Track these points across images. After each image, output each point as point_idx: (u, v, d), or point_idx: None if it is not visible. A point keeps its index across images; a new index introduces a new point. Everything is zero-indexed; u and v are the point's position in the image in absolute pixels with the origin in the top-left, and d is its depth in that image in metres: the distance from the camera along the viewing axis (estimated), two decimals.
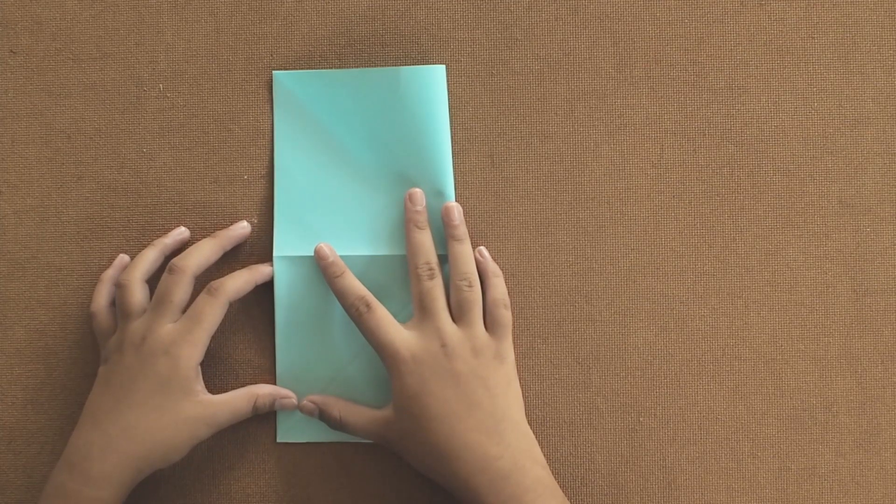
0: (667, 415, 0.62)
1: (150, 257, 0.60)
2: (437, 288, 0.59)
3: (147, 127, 0.63)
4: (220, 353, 0.62)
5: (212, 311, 0.58)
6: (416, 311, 0.59)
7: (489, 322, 0.60)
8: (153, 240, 0.62)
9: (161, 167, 0.63)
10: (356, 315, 0.59)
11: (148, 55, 0.63)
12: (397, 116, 0.61)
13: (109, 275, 0.61)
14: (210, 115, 0.63)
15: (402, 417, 0.57)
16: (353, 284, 0.60)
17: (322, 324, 0.62)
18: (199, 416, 0.57)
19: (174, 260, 0.59)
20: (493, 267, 0.61)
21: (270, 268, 0.62)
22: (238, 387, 0.61)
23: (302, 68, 0.62)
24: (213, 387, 0.61)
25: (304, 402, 0.61)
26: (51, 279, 0.62)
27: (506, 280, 0.61)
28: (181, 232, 0.62)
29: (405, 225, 0.61)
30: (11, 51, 0.63)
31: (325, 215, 0.62)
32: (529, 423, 0.59)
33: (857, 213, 0.63)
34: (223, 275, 0.61)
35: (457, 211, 0.61)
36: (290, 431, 0.62)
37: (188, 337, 0.57)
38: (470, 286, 0.59)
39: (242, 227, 0.62)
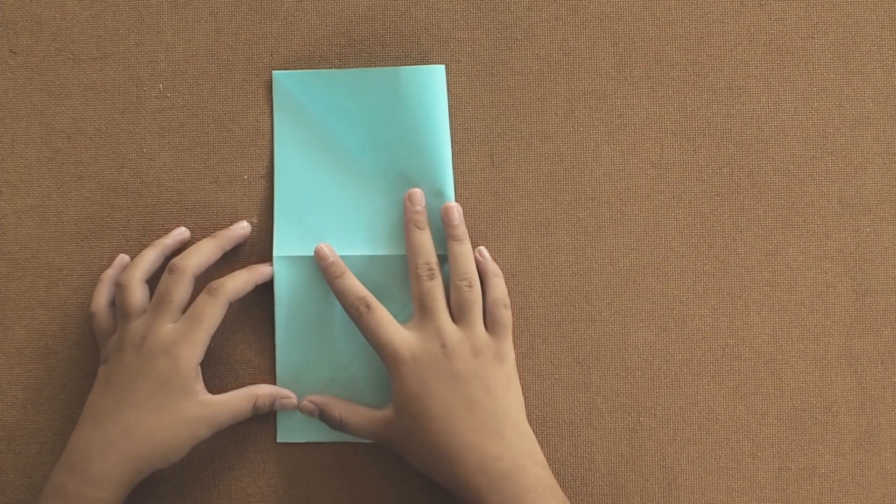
0: (667, 415, 0.62)
1: (150, 257, 0.60)
2: (436, 288, 0.59)
3: (147, 127, 0.63)
4: (220, 353, 0.62)
5: (212, 311, 0.58)
6: (416, 311, 0.59)
7: (489, 322, 0.60)
8: (153, 240, 0.62)
9: (161, 167, 0.63)
10: (356, 315, 0.59)
11: (148, 55, 0.63)
12: (397, 116, 0.61)
13: (109, 275, 0.61)
14: (210, 115, 0.63)
15: (403, 417, 0.57)
16: (354, 285, 0.60)
17: (322, 324, 0.62)
18: (199, 416, 0.57)
19: (174, 260, 0.59)
20: (493, 267, 0.61)
21: (270, 268, 0.62)
22: (238, 387, 0.61)
23: (302, 68, 0.62)
24: (213, 387, 0.61)
25: (305, 402, 0.61)
26: (51, 279, 0.62)
27: (506, 280, 0.61)
28: (181, 232, 0.62)
29: (405, 225, 0.61)
30: (11, 51, 0.63)
31: (325, 215, 0.62)
32: (529, 423, 0.59)
33: (857, 213, 0.63)
34: (223, 275, 0.61)
35: (456, 211, 0.61)
36: (290, 431, 0.62)
37: (188, 337, 0.57)
38: (470, 286, 0.59)
39: (242, 227, 0.62)
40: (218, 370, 0.62)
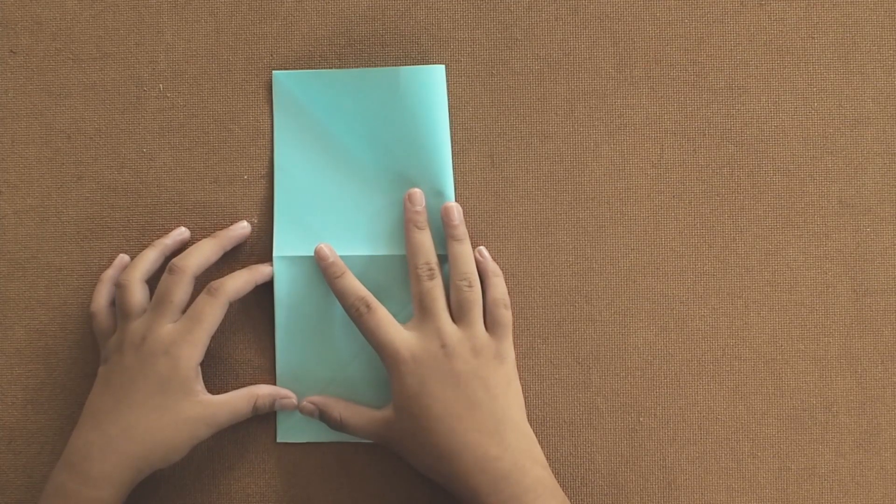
0: (667, 415, 0.62)
1: (150, 257, 0.60)
2: (436, 288, 0.59)
3: (147, 127, 0.63)
4: (220, 353, 0.62)
5: (212, 312, 0.58)
6: (416, 311, 0.59)
7: (489, 322, 0.60)
8: (153, 240, 0.62)
9: (161, 167, 0.63)
10: (356, 315, 0.59)
11: (148, 55, 0.63)
12: (397, 116, 0.61)
13: (109, 275, 0.61)
14: (210, 115, 0.63)
15: (402, 418, 0.57)
16: (354, 285, 0.60)
17: (322, 324, 0.62)
18: (199, 416, 0.57)
19: (174, 260, 0.59)
20: (493, 267, 0.61)
21: (270, 268, 0.62)
22: (238, 387, 0.61)
23: (302, 68, 0.62)
24: (213, 387, 0.61)
25: (304, 402, 0.61)
26: (51, 279, 0.62)
27: (506, 280, 0.61)
28: (181, 232, 0.62)
29: (405, 225, 0.61)
30: (11, 51, 0.63)
31: (325, 215, 0.62)
32: (529, 423, 0.59)
33: (857, 213, 0.63)
34: (223, 275, 0.61)
35: (456, 211, 0.61)
36: (290, 431, 0.62)
37: (188, 337, 0.57)
38: (470, 286, 0.59)
39: (242, 227, 0.62)
40: (218, 370, 0.62)
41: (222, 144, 0.63)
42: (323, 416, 0.60)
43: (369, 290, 0.60)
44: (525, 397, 0.60)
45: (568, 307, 0.62)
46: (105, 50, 0.63)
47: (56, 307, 0.62)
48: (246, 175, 0.63)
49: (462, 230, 0.60)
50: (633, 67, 0.63)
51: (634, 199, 0.62)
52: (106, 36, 0.63)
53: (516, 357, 0.61)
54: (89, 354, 0.62)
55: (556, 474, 0.59)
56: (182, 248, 0.62)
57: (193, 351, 0.57)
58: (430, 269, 0.59)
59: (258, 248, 0.62)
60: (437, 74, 0.61)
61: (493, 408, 0.57)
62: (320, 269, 0.61)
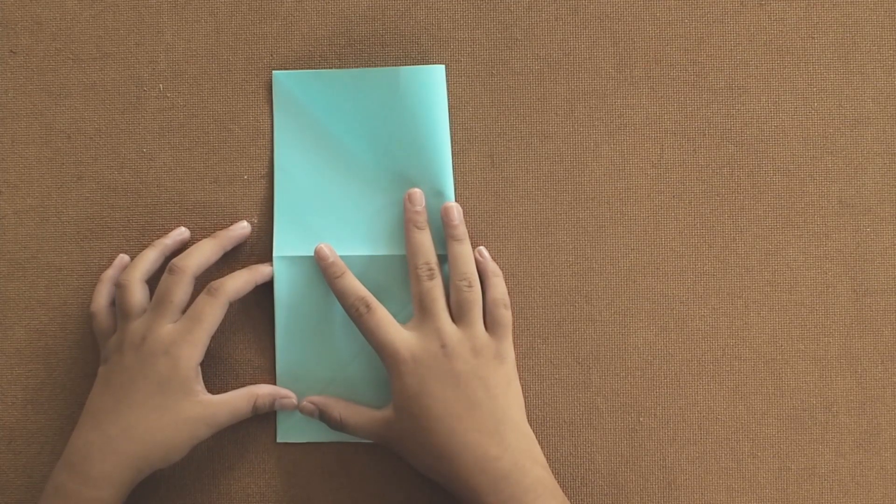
0: (667, 415, 0.62)
1: (150, 257, 0.60)
2: (436, 288, 0.59)
3: (147, 127, 0.63)
4: (220, 353, 0.62)
5: (212, 312, 0.58)
6: (416, 311, 0.59)
7: (489, 322, 0.60)
8: (153, 240, 0.62)
9: (161, 167, 0.63)
10: (356, 315, 0.59)
11: (148, 55, 0.63)
12: (397, 116, 0.61)
13: (109, 275, 0.61)
14: (210, 115, 0.63)
15: (402, 418, 0.57)
16: (354, 285, 0.60)
17: (322, 324, 0.62)
18: (199, 416, 0.57)
19: (174, 260, 0.59)
20: (492, 267, 0.61)
21: (270, 268, 0.62)
22: (238, 387, 0.61)
23: (302, 68, 0.62)
24: (213, 387, 0.61)
25: (304, 402, 0.61)
26: (51, 279, 0.62)
27: (506, 280, 0.61)
28: (181, 232, 0.62)
29: (405, 225, 0.61)
30: (11, 51, 0.63)
31: (325, 215, 0.62)
32: (529, 423, 0.59)
33: (857, 213, 0.63)
34: (223, 275, 0.61)
35: (456, 211, 0.61)
36: (290, 431, 0.62)
37: (188, 337, 0.57)
38: (470, 286, 0.59)
39: (242, 227, 0.62)
40: (218, 370, 0.62)
41: (222, 144, 0.63)
42: (323, 416, 0.60)
43: (369, 290, 0.60)
44: (525, 397, 0.60)
45: (568, 307, 0.62)
46: (105, 50, 0.63)
47: (56, 307, 0.62)
48: (246, 175, 0.63)
49: (462, 230, 0.60)
50: (633, 67, 0.63)
51: (634, 199, 0.62)
52: (106, 36, 0.63)
53: (516, 357, 0.61)
54: (89, 354, 0.62)
55: (556, 474, 0.59)
56: (182, 248, 0.62)
57: (193, 351, 0.57)
58: (430, 269, 0.59)
59: (258, 248, 0.62)
60: (437, 74, 0.61)
61: (493, 408, 0.57)
62: (320, 269, 0.61)
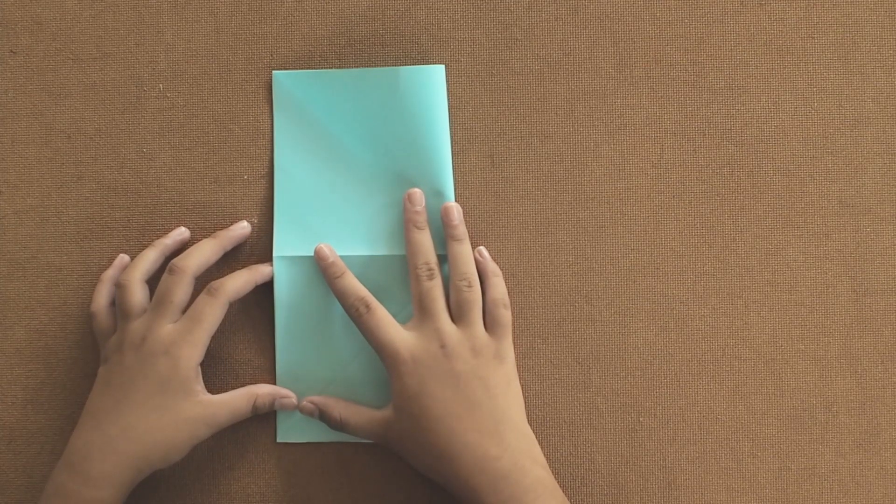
0: (667, 415, 0.62)
1: (150, 257, 0.60)
2: (436, 288, 0.59)
3: (147, 127, 0.63)
4: (220, 353, 0.62)
5: (212, 312, 0.58)
6: (416, 311, 0.59)
7: (489, 322, 0.60)
8: (153, 240, 0.62)
9: (161, 167, 0.63)
10: (356, 315, 0.59)
11: (148, 55, 0.63)
12: (397, 116, 0.61)
13: (109, 275, 0.61)
14: (210, 115, 0.63)
15: (402, 418, 0.57)
16: (353, 285, 0.60)
17: (322, 324, 0.62)
18: (199, 416, 0.57)
19: (174, 260, 0.59)
20: (492, 267, 0.61)
21: (270, 268, 0.62)
22: (238, 387, 0.61)
23: (302, 68, 0.62)
24: (213, 387, 0.61)
25: (304, 402, 0.61)
26: (51, 279, 0.62)
27: (506, 280, 0.61)
28: (181, 232, 0.62)
29: (405, 225, 0.61)
30: (11, 51, 0.63)
31: (325, 215, 0.62)
32: (529, 423, 0.59)
33: (857, 213, 0.63)
34: (223, 275, 0.61)
35: (456, 211, 0.61)
36: (290, 431, 0.62)
37: (188, 337, 0.57)
38: (469, 286, 0.59)
39: (242, 227, 0.62)
40: (218, 370, 0.62)
41: (222, 144, 0.63)
42: (323, 416, 0.60)
43: (369, 290, 0.60)
44: (525, 397, 0.60)
45: (568, 307, 0.62)
46: (105, 50, 0.63)
47: (56, 307, 0.62)
48: (246, 175, 0.63)
49: (462, 230, 0.60)
50: (633, 67, 0.63)
51: (634, 199, 0.62)
52: (106, 36, 0.63)
53: (516, 357, 0.61)
54: (89, 354, 0.62)
55: (556, 474, 0.59)
56: (182, 248, 0.62)
57: (193, 351, 0.57)
58: (430, 270, 0.59)
59: (258, 248, 0.62)
60: (437, 74, 0.61)
61: (493, 408, 0.57)
62: (320, 269, 0.61)
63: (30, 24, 0.63)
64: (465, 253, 0.60)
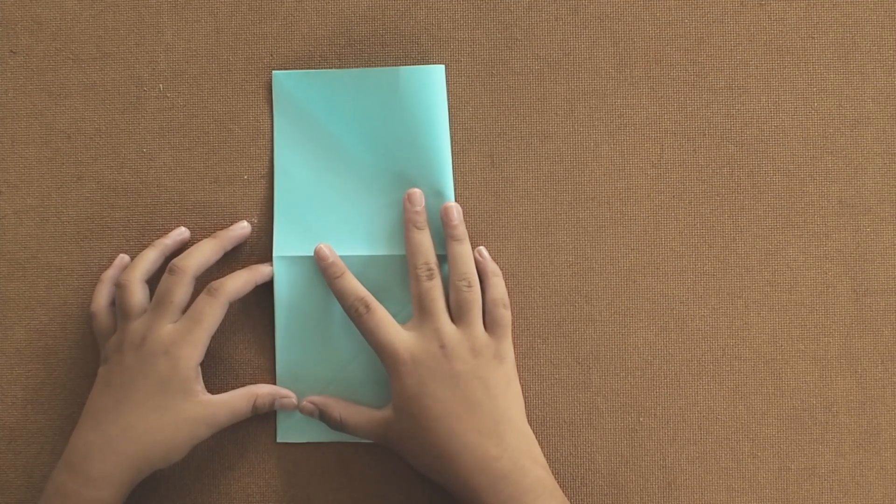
0: (667, 415, 0.62)
1: (150, 258, 0.60)
2: (436, 288, 0.59)
3: (147, 127, 0.63)
4: (220, 353, 0.62)
5: (212, 312, 0.58)
6: (416, 311, 0.59)
7: (489, 322, 0.60)
8: (153, 240, 0.62)
9: (161, 167, 0.63)
10: (356, 316, 0.59)
11: (148, 55, 0.63)
12: (397, 116, 0.61)
13: (109, 275, 0.61)
14: (210, 115, 0.63)
15: (402, 418, 0.57)
16: (353, 285, 0.60)
17: (322, 324, 0.62)
18: (199, 416, 0.57)
19: (174, 260, 0.59)
20: (492, 267, 0.61)
21: (270, 268, 0.62)
22: (238, 387, 0.61)
23: (302, 68, 0.62)
24: (213, 387, 0.61)
25: (304, 402, 0.61)
26: (51, 279, 0.62)
27: (506, 280, 0.61)
28: (181, 232, 0.62)
29: (404, 225, 0.61)
30: (11, 51, 0.63)
31: (324, 215, 0.62)
32: (529, 423, 0.59)
33: (857, 213, 0.63)
34: (223, 275, 0.61)
35: (456, 211, 0.61)
36: (290, 431, 0.62)
37: (188, 337, 0.57)
38: (469, 286, 0.59)
39: (242, 227, 0.62)
40: (218, 370, 0.62)
41: (222, 144, 0.63)
42: (323, 416, 0.60)
43: (369, 290, 0.60)
44: (525, 397, 0.60)
45: (568, 307, 0.62)
46: (105, 50, 0.63)
47: (56, 307, 0.62)
48: (246, 175, 0.63)
49: (461, 230, 0.60)
50: (633, 67, 0.63)
51: (634, 199, 0.62)
52: (106, 36, 0.63)
53: (516, 357, 0.61)
54: (89, 354, 0.62)
55: (556, 474, 0.59)
56: (182, 248, 0.62)
57: (193, 351, 0.57)
58: (430, 270, 0.59)
59: (258, 248, 0.62)
60: (437, 74, 0.61)
61: (493, 408, 0.57)
62: (320, 269, 0.61)
63: (30, 24, 0.63)
64: (464, 253, 0.60)
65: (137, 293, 0.59)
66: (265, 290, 0.62)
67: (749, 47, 0.63)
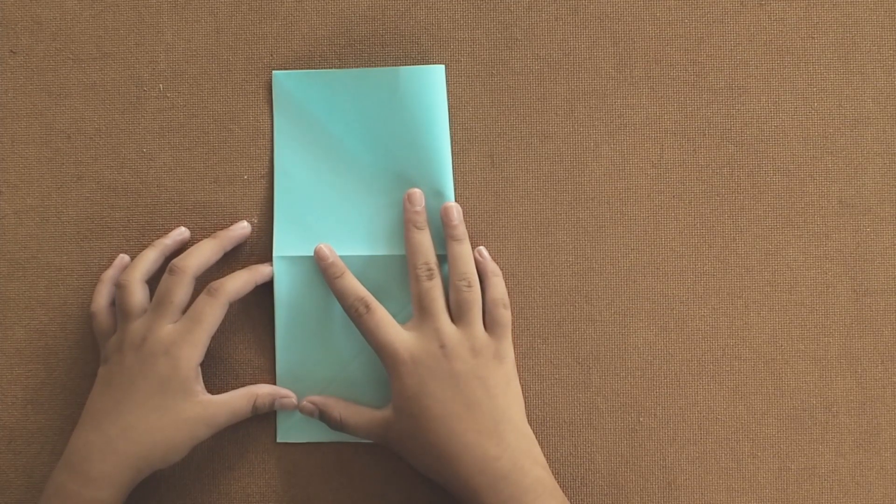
0: (667, 415, 0.62)
1: (150, 258, 0.60)
2: (436, 288, 0.59)
3: (147, 127, 0.63)
4: (220, 353, 0.62)
5: (212, 312, 0.58)
6: (416, 311, 0.59)
7: (488, 322, 0.60)
8: (153, 240, 0.62)
9: (161, 167, 0.63)
10: (356, 316, 0.59)
11: (148, 55, 0.63)
12: (397, 116, 0.61)
13: (109, 275, 0.61)
14: (210, 115, 0.63)
15: (402, 418, 0.57)
16: (353, 285, 0.60)
17: (322, 324, 0.62)
18: (199, 416, 0.57)
19: (175, 260, 0.59)
20: (492, 266, 0.61)
21: (270, 268, 0.62)
22: (238, 387, 0.61)
23: (302, 68, 0.62)
24: (213, 387, 0.61)
25: (304, 402, 0.61)
26: (51, 279, 0.62)
27: (506, 280, 0.61)
28: (181, 232, 0.62)
29: (404, 225, 0.61)
30: (11, 51, 0.63)
31: (324, 215, 0.62)
32: (529, 423, 0.59)
33: (857, 213, 0.63)
34: (223, 275, 0.61)
35: (456, 211, 0.61)
36: (290, 431, 0.62)
37: (188, 337, 0.57)
38: (469, 286, 0.59)
39: (242, 228, 0.62)
40: (218, 370, 0.62)
41: (222, 144, 0.63)
42: (323, 416, 0.60)
43: (369, 290, 0.60)
44: (525, 397, 0.60)
45: (568, 307, 0.62)
46: (105, 50, 0.63)
47: (56, 307, 0.62)
48: (246, 175, 0.63)
49: (461, 230, 0.60)
50: (633, 67, 0.63)
51: (634, 199, 0.62)
52: (106, 36, 0.63)
53: (516, 357, 0.61)
54: (89, 354, 0.62)
55: (556, 474, 0.59)
56: (182, 248, 0.62)
57: (193, 351, 0.57)
58: (430, 270, 0.59)
59: (258, 248, 0.62)
60: (436, 74, 0.61)
61: (493, 408, 0.57)
62: (320, 269, 0.61)
63: (30, 24, 0.63)
64: (464, 253, 0.60)
65: (137, 293, 0.59)
66: (265, 290, 0.62)
67: (749, 47, 0.63)
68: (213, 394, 0.59)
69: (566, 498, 0.57)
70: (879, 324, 0.62)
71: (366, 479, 0.62)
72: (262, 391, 0.60)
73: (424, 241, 0.60)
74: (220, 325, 0.59)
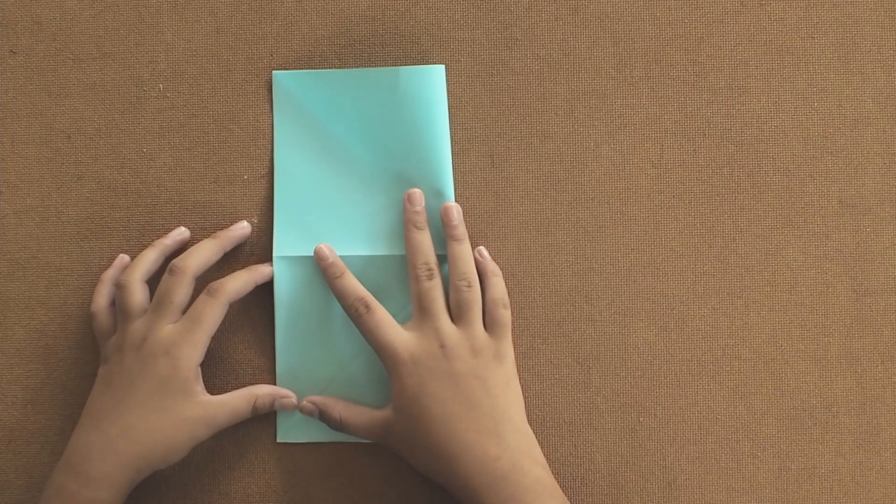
0: (667, 415, 0.62)
1: (150, 258, 0.60)
2: (435, 288, 0.59)
3: (147, 127, 0.63)
4: (220, 353, 0.62)
5: (212, 312, 0.58)
6: (416, 311, 0.59)
7: (488, 322, 0.60)
8: (153, 240, 0.62)
9: (161, 167, 0.63)
10: (355, 316, 0.59)
11: (148, 55, 0.63)
12: (397, 116, 0.61)
13: (109, 275, 0.61)
14: (210, 115, 0.63)
15: (402, 418, 0.57)
16: (353, 285, 0.60)
17: (322, 324, 0.62)
18: (199, 416, 0.57)
19: (175, 261, 0.59)
20: (492, 266, 0.61)
21: (270, 268, 0.62)
22: (238, 387, 0.61)
23: (302, 68, 0.62)
24: (213, 387, 0.61)
25: (304, 402, 0.61)
26: (51, 279, 0.62)
27: (506, 280, 0.61)
28: (181, 232, 0.62)
29: (404, 225, 0.61)
30: (11, 51, 0.63)
31: (324, 215, 0.62)
32: (529, 423, 0.59)
33: (857, 213, 0.63)
34: (223, 275, 0.61)
35: (456, 211, 0.61)
36: (290, 431, 0.62)
37: (188, 338, 0.57)
38: (469, 286, 0.59)
39: (242, 228, 0.62)
40: (218, 370, 0.62)
41: (222, 144, 0.63)
42: (323, 416, 0.60)
43: (369, 290, 0.60)
44: (525, 397, 0.60)
45: (568, 307, 0.62)
46: (105, 50, 0.63)
47: (56, 307, 0.62)
48: (246, 175, 0.63)
49: (461, 230, 0.60)
50: (633, 67, 0.63)
51: (634, 199, 0.62)
52: (106, 36, 0.63)
53: (516, 357, 0.61)
54: (89, 354, 0.62)
55: (556, 474, 0.59)
56: (182, 248, 0.62)
57: (193, 351, 0.57)
58: (430, 270, 0.59)
59: (258, 248, 0.62)
60: (437, 74, 0.61)
61: (493, 408, 0.57)
62: (320, 269, 0.61)
63: (30, 24, 0.63)
64: (464, 253, 0.60)
65: (137, 293, 0.59)
66: (265, 290, 0.62)
67: (749, 47, 0.63)
68: (213, 394, 0.59)
69: (566, 498, 0.57)
70: (879, 324, 0.62)
71: (366, 479, 0.62)
72: (262, 391, 0.60)
73: (424, 241, 0.60)
74: (220, 325, 0.59)
